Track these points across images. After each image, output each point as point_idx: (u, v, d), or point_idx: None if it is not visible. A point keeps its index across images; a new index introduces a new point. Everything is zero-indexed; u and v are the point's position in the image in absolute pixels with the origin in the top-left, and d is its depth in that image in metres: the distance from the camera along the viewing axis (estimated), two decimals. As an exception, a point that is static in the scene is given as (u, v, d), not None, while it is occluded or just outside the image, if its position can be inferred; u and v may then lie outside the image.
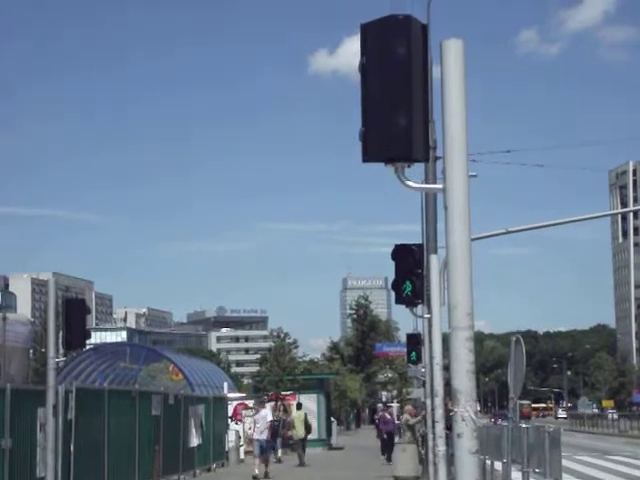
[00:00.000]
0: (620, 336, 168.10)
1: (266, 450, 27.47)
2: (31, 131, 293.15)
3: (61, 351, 14.30)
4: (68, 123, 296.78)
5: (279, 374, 48.77)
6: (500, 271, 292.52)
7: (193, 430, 28.49)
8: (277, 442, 34.52)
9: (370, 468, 28.48)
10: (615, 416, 79.22)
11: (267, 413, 28.41)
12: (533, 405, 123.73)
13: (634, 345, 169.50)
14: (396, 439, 31.65)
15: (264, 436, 27.19)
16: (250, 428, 32.26)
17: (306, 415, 35.96)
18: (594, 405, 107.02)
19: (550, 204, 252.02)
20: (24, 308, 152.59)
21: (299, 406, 36.56)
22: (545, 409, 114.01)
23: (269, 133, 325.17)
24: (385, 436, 33.95)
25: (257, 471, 25.99)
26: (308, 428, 35.32)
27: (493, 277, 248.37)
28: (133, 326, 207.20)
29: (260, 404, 30.50)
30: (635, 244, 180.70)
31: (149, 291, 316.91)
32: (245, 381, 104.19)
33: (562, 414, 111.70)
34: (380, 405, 55.79)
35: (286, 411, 37.49)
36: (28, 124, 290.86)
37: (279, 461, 33.31)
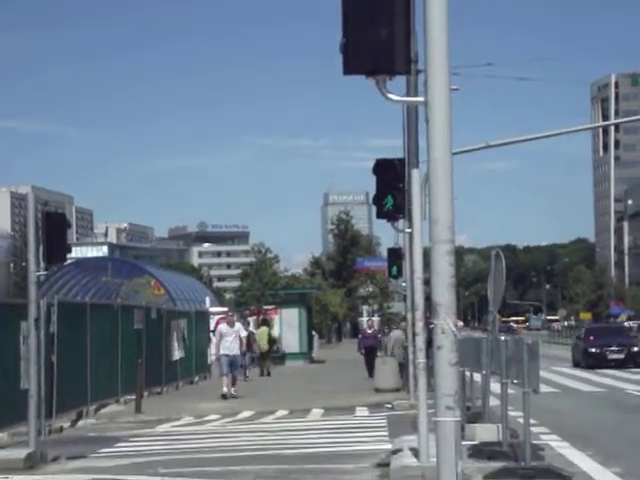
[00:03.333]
0: (599, 249, 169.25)
1: (236, 367, 25.51)
2: (5, 42, 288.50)
3: (42, 265, 14.24)
4: (43, 33, 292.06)
5: (260, 289, 49.00)
6: (481, 186, 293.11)
7: (175, 344, 28.70)
8: (246, 358, 32.40)
9: (351, 380, 28.79)
10: (559, 327, 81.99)
11: (240, 327, 26.29)
12: (506, 319, 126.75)
13: (612, 258, 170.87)
14: (378, 354, 29.40)
15: (236, 352, 25.11)
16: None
17: (270, 330, 37.41)
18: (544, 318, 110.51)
19: (532, 118, 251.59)
20: (3, 222, 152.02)
21: (264, 322, 38.19)
22: (505, 323, 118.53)
23: (255, 43, 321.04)
24: (363, 351, 31.00)
25: (226, 389, 24.28)
26: (272, 342, 36.93)
27: (474, 192, 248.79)
28: (114, 241, 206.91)
29: (230, 316, 27.53)
30: (616, 157, 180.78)
31: (130, 206, 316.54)
32: (227, 296, 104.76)
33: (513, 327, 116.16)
34: (364, 319, 55.51)
35: (268, 325, 37.96)
36: (2, 35, 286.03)
37: (245, 379, 30.75)
